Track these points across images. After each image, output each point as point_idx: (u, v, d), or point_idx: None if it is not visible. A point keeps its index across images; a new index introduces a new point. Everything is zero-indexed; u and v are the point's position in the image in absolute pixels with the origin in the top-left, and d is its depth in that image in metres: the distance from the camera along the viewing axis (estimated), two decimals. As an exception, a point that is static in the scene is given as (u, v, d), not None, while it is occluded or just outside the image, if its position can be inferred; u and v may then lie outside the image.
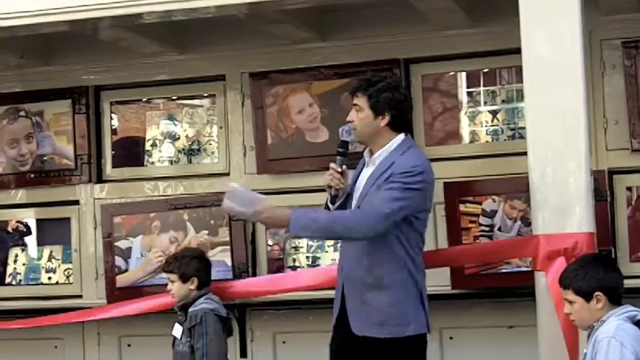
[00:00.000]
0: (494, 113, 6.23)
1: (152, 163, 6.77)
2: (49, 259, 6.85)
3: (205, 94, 6.71)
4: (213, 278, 5.50)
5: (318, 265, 6.29)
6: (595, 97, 5.86)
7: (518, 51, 4.68)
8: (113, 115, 6.84)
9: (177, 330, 5.36)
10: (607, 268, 4.14)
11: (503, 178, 5.94)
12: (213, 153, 6.63)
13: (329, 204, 4.76)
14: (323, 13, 6.24)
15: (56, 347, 6.83)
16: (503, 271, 5.86)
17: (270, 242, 6.39)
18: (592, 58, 5.82)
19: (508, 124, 6.18)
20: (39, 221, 6.96)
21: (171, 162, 6.73)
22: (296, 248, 6.37)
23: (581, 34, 4.58)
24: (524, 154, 4.65)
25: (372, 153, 4.72)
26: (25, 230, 6.96)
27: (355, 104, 4.71)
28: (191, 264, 5.36)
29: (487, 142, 6.23)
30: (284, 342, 6.41)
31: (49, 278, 6.84)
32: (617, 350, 3.86)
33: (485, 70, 6.26)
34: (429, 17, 5.93)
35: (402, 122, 4.72)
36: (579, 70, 4.57)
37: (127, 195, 6.69)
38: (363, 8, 6.12)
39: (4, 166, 6.92)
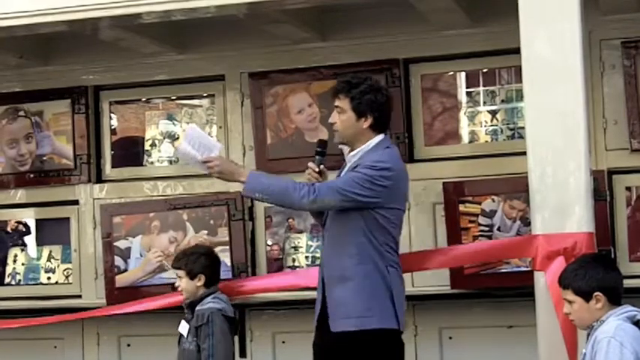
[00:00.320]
0: (493, 113, 6.23)
1: (151, 163, 6.77)
2: (49, 259, 6.84)
3: (205, 94, 6.71)
4: (213, 278, 5.50)
5: (318, 265, 6.28)
6: (594, 97, 5.86)
7: (517, 51, 4.68)
8: (112, 115, 6.84)
9: (184, 328, 5.36)
10: (606, 268, 4.14)
11: (502, 178, 5.94)
12: (212, 153, 6.63)
13: None
14: (323, 13, 6.24)
15: (56, 347, 6.83)
16: (503, 271, 5.86)
17: (269, 242, 6.39)
18: (591, 58, 5.82)
19: (507, 124, 6.19)
20: (38, 221, 6.96)
21: (170, 162, 6.73)
22: (295, 248, 6.37)
23: (580, 34, 4.58)
24: (524, 154, 4.64)
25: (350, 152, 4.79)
26: (24, 230, 6.96)
27: (337, 106, 4.76)
28: (199, 261, 5.36)
29: (486, 142, 6.23)
30: (283, 342, 6.41)
31: (49, 278, 6.83)
32: (617, 350, 3.86)
33: (485, 70, 6.27)
34: (429, 17, 5.93)
35: (383, 123, 4.78)
36: (579, 70, 4.56)
37: (127, 195, 6.69)
38: (363, 8, 6.12)
39: (3, 166, 6.91)
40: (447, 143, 6.26)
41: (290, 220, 6.34)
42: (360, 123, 4.71)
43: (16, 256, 6.93)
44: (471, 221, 5.99)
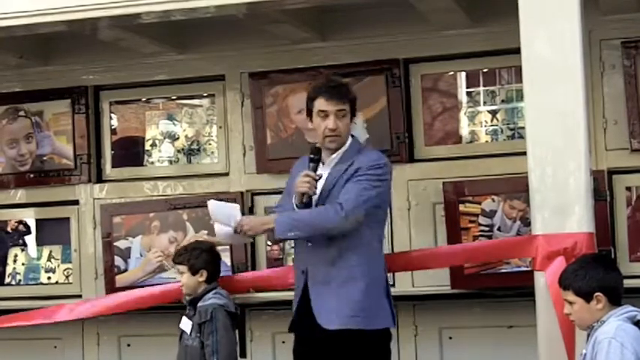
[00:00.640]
0: (493, 113, 6.23)
1: (152, 163, 6.77)
2: (49, 259, 6.85)
3: (205, 94, 6.71)
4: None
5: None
6: (594, 97, 5.86)
7: (517, 51, 4.68)
8: (112, 115, 6.84)
9: (187, 324, 5.36)
10: (607, 268, 4.14)
11: (502, 178, 5.94)
12: (212, 153, 6.63)
13: (296, 210, 4.76)
14: (323, 13, 6.24)
15: (55, 347, 6.83)
16: (503, 271, 5.86)
17: (269, 242, 6.38)
18: (591, 58, 5.82)
19: (508, 124, 6.18)
20: (38, 221, 6.96)
21: (170, 162, 6.73)
22: (295, 248, 6.36)
23: (580, 34, 4.57)
24: (524, 154, 4.64)
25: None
26: (24, 230, 6.96)
27: (342, 109, 4.76)
28: (201, 256, 5.38)
29: (487, 142, 6.23)
30: (283, 342, 6.39)
31: (49, 278, 6.84)
32: (618, 351, 3.86)
33: (485, 70, 6.26)
34: (429, 17, 5.93)
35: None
36: (579, 70, 4.56)
37: (127, 195, 6.69)
38: (363, 8, 6.12)
39: (3, 166, 6.91)
40: (447, 143, 6.26)
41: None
42: (350, 123, 4.82)
43: (16, 256, 6.93)
44: (471, 221, 5.99)
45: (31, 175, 6.85)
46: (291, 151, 6.31)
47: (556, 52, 4.56)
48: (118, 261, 6.57)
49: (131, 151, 6.83)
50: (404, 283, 5.99)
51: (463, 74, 6.32)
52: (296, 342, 4.89)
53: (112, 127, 6.84)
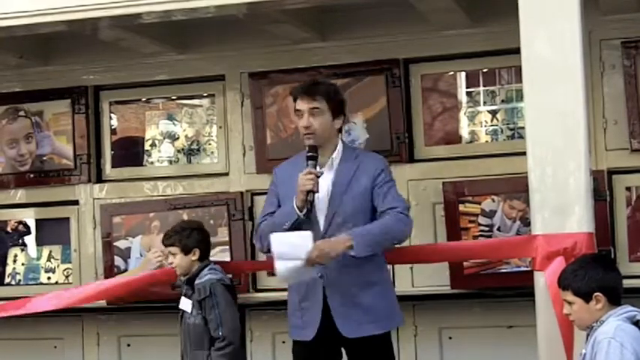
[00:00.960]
0: (493, 113, 6.23)
1: (151, 163, 6.77)
2: (49, 259, 6.85)
3: (205, 94, 6.71)
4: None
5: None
6: (594, 97, 5.86)
7: (517, 51, 4.67)
8: (112, 115, 6.84)
9: (186, 304, 5.38)
10: (606, 268, 4.14)
11: (502, 178, 5.94)
12: (212, 153, 6.63)
13: (298, 213, 4.71)
14: (323, 13, 6.24)
15: (55, 347, 6.83)
16: (503, 271, 5.86)
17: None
18: (591, 58, 5.82)
19: (507, 124, 6.18)
20: (38, 221, 6.96)
21: (170, 162, 6.73)
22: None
23: (580, 34, 4.57)
24: (524, 154, 4.64)
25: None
26: (24, 230, 6.96)
27: (316, 107, 4.75)
28: (192, 235, 5.42)
29: (486, 142, 6.23)
30: (283, 342, 6.39)
31: (49, 278, 6.84)
32: (618, 351, 3.86)
33: (485, 70, 6.26)
34: (429, 17, 5.93)
35: (343, 124, 4.93)
36: (579, 70, 4.56)
37: (127, 195, 6.69)
38: (363, 8, 6.12)
39: (3, 166, 6.91)
40: (447, 143, 6.26)
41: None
42: (335, 123, 4.82)
43: (16, 256, 6.93)
44: (470, 221, 5.99)
45: (31, 175, 6.85)
46: (291, 151, 6.27)
47: (556, 52, 4.56)
48: (118, 261, 6.57)
49: (131, 151, 6.83)
50: (404, 283, 5.99)
51: (463, 74, 6.32)
52: (300, 345, 4.87)
53: (112, 127, 6.84)
